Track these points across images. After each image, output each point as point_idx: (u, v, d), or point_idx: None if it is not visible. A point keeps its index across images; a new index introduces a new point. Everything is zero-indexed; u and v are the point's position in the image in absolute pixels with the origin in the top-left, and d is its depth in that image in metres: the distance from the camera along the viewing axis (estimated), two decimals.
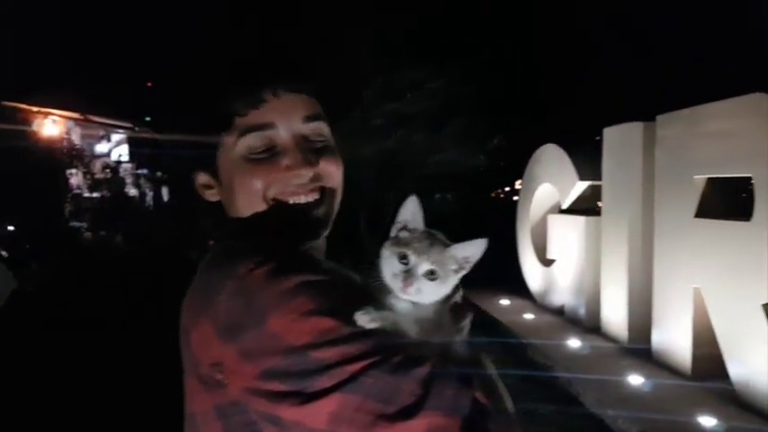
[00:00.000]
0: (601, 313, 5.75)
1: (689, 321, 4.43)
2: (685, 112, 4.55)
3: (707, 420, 3.69)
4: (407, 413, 0.75)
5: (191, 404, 0.95)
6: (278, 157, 0.99)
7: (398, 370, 0.77)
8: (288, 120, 1.00)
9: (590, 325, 5.94)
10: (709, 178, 4.38)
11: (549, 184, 6.88)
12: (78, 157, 11.86)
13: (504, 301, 7.42)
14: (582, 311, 6.14)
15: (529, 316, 6.73)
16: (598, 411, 4.09)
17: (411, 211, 0.90)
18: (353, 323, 0.81)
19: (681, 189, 4.54)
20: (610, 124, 5.70)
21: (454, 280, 0.89)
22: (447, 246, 0.88)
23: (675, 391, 4.29)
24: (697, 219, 4.37)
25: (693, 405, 3.93)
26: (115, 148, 17.46)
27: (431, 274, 0.85)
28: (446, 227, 0.93)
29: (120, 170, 16.51)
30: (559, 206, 6.81)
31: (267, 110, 0.98)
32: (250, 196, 0.99)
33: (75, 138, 13.81)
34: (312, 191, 1.02)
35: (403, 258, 0.86)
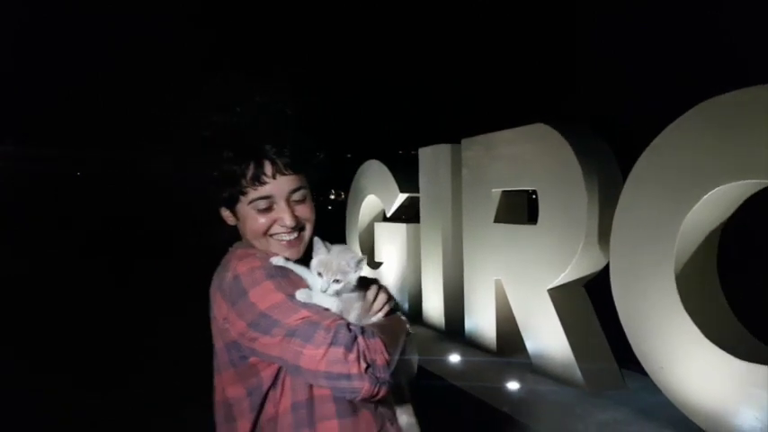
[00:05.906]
0: (422, 306, 6.25)
1: (493, 307, 5.02)
2: (483, 137, 5.12)
3: (512, 385, 4.26)
4: (318, 346, 1.25)
5: (215, 343, 1.48)
6: (274, 213, 1.48)
7: (316, 323, 1.29)
8: (282, 193, 1.47)
9: (413, 317, 6.38)
10: (503, 191, 5.01)
11: (374, 195, 7.23)
12: None
13: None
14: (406, 306, 6.60)
15: None
16: (424, 383, 4.46)
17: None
18: (294, 298, 1.34)
19: (482, 200, 5.12)
20: (424, 144, 6.19)
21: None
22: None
23: (486, 365, 4.83)
24: (495, 224, 4.96)
25: (501, 375, 4.47)
26: None
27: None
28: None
29: None
30: (384, 215, 7.22)
31: (268, 188, 1.45)
32: (256, 232, 1.50)
33: None
34: (293, 231, 1.50)
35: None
